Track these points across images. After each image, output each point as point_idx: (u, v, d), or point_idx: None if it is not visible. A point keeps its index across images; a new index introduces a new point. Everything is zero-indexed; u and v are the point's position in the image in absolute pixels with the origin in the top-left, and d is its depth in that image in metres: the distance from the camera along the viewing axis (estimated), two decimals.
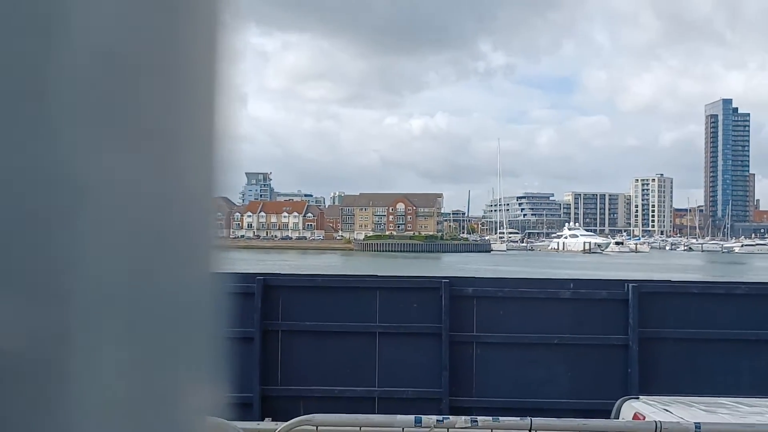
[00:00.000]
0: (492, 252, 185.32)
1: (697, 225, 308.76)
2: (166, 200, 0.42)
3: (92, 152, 0.40)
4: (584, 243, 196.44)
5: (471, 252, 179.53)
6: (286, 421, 6.39)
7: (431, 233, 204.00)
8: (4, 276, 0.40)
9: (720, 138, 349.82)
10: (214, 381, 0.44)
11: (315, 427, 6.35)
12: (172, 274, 0.42)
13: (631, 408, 7.70)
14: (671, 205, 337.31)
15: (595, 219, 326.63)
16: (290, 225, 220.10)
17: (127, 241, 0.42)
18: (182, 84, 0.41)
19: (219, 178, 0.44)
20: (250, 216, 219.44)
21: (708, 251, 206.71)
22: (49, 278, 0.40)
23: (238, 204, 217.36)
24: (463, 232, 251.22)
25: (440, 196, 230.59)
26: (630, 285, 11.77)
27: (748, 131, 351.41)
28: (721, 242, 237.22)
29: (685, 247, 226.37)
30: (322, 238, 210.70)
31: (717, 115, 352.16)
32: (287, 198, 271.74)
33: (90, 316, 0.41)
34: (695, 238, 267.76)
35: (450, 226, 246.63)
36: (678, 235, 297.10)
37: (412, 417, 6.35)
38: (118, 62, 0.41)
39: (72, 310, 0.40)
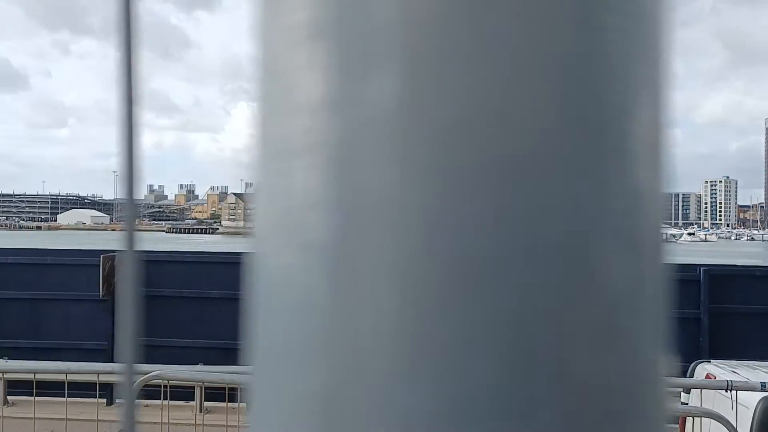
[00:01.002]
0: None
1: (758, 219, 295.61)
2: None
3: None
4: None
5: None
6: None
7: None
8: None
9: None
10: (668, 351, 0.44)
11: None
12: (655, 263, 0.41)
13: (703, 369, 7.45)
14: (736, 202, 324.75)
15: (671, 214, 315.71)
16: None
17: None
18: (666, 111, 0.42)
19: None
20: None
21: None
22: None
23: None
24: None
25: None
26: (701, 268, 11.49)
27: None
28: None
29: (748, 238, 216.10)
30: None
31: None
32: None
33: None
34: (757, 230, 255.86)
35: None
36: (742, 227, 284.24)
37: None
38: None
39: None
